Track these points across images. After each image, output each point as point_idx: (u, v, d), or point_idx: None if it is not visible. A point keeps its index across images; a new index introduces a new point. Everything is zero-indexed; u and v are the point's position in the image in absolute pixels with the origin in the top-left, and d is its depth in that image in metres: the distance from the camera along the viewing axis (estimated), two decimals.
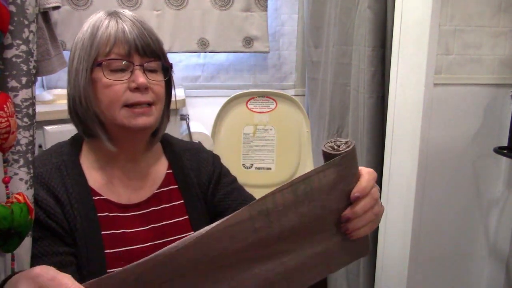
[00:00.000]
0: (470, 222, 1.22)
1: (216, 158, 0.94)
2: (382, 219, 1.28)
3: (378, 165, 1.33)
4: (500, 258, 1.25)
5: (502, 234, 1.23)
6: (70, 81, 0.77)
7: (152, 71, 0.77)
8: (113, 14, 0.76)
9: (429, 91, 1.10)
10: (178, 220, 0.83)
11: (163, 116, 0.84)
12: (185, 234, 0.82)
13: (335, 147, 0.58)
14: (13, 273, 0.59)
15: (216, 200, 0.88)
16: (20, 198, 0.58)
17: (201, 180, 0.89)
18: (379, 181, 1.31)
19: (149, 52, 0.76)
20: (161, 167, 0.87)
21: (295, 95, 2.06)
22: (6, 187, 0.56)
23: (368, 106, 1.33)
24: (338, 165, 0.55)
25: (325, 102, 1.63)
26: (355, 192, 0.58)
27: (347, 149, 0.56)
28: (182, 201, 0.86)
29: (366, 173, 0.60)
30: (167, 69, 0.80)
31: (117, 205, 0.79)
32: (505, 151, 1.10)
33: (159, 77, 0.78)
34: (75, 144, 0.82)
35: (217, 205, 0.88)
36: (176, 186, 0.86)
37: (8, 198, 0.56)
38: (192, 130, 1.81)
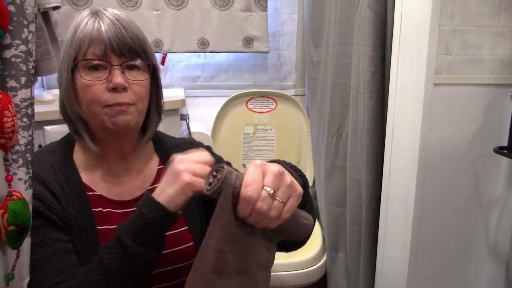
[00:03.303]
0: (470, 222, 1.22)
1: (207, 149, 0.94)
2: (382, 219, 1.29)
3: (378, 165, 1.33)
4: (500, 258, 1.25)
5: (502, 234, 1.23)
6: (57, 82, 0.79)
7: (133, 70, 0.77)
8: (94, 14, 0.76)
9: (429, 91, 1.10)
10: None
11: (152, 115, 0.84)
12: (177, 230, 0.82)
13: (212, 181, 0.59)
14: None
15: None
16: (18, 195, 0.59)
17: None
18: (379, 181, 1.31)
19: (127, 51, 0.75)
20: (153, 164, 0.87)
21: (295, 95, 2.06)
22: (9, 185, 0.57)
23: (368, 106, 1.32)
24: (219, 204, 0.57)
25: (325, 102, 1.63)
26: (239, 214, 0.58)
27: (217, 184, 0.57)
28: None
29: (242, 200, 0.56)
30: (153, 68, 0.80)
31: (110, 201, 0.80)
32: (505, 151, 1.10)
33: (141, 77, 0.78)
34: (67, 143, 0.83)
35: None
36: None
37: (10, 196, 0.57)
38: (192, 130, 1.81)
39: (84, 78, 0.74)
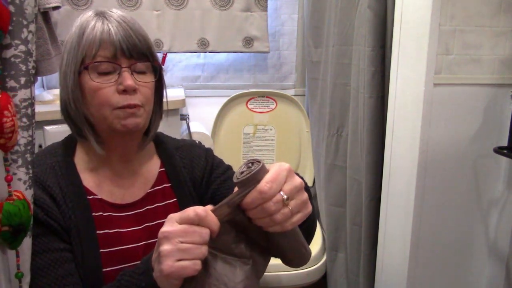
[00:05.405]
0: (470, 222, 1.22)
1: (208, 152, 0.94)
2: (382, 219, 1.29)
3: (378, 165, 1.32)
4: (500, 258, 1.24)
5: (502, 234, 1.23)
6: (60, 83, 0.77)
7: (141, 72, 0.76)
8: (100, 15, 0.75)
9: (429, 91, 1.10)
10: None
11: (155, 116, 0.84)
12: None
13: (244, 171, 0.59)
14: (150, 255, 0.63)
15: (211, 192, 0.88)
16: (19, 195, 0.59)
17: (195, 176, 0.89)
18: (379, 181, 1.31)
19: (136, 53, 0.75)
20: (154, 166, 0.87)
21: (295, 95, 2.06)
22: (9, 185, 0.57)
23: (368, 106, 1.32)
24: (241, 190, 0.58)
25: (325, 102, 1.63)
26: (243, 206, 0.58)
27: (247, 175, 0.57)
28: (175, 199, 0.86)
29: (256, 191, 0.56)
30: (157, 69, 0.80)
31: (111, 205, 0.80)
32: (505, 151, 1.10)
33: (148, 78, 0.78)
34: (68, 145, 0.82)
35: (213, 196, 0.88)
36: (169, 184, 0.86)
37: (10, 196, 0.57)
38: (192, 130, 1.81)
39: (94, 80, 0.73)
